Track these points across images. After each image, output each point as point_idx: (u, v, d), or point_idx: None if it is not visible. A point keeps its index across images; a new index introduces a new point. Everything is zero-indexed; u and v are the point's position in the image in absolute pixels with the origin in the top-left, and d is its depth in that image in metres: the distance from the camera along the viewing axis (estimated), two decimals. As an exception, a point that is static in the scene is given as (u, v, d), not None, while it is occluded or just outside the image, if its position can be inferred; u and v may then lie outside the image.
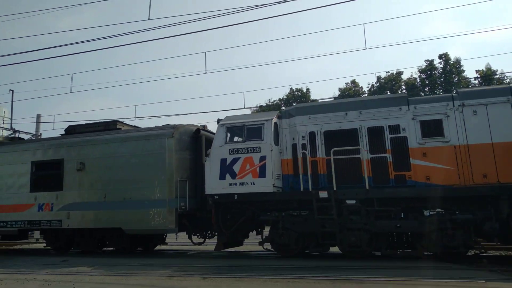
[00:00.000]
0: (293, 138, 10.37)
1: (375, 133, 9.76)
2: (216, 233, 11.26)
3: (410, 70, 38.97)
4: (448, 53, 32.66)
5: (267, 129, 10.18)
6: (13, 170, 12.98)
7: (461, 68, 32.30)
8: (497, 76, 30.66)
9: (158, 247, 14.01)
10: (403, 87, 33.60)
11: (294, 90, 37.07)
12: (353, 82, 35.74)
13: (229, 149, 10.31)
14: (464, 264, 8.40)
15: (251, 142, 10.18)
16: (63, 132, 14.01)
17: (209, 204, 10.40)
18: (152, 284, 7.11)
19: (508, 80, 30.67)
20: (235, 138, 10.72)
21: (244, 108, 37.23)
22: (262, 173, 9.92)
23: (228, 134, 10.60)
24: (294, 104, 35.79)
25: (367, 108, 9.99)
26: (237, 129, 10.60)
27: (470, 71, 43.24)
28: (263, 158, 9.97)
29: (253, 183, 9.96)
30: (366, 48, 22.91)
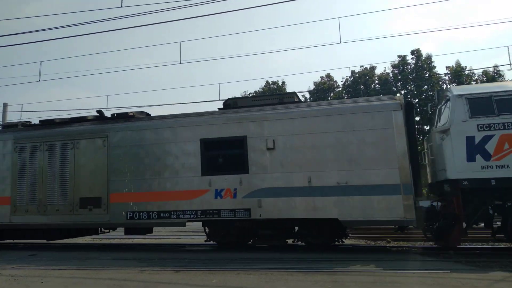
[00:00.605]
0: None
1: None
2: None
3: (383, 65, 39.86)
4: (420, 49, 33.46)
5: None
6: (175, 150, 10.95)
7: (432, 64, 33.14)
8: (466, 72, 31.64)
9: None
10: (376, 81, 34.18)
11: (270, 83, 37.10)
12: (328, 76, 36.08)
13: (477, 125, 8.99)
14: (431, 255, 8.70)
15: (508, 116, 8.86)
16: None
17: (449, 191, 9.15)
18: (124, 278, 7.00)
19: (476, 77, 31.76)
20: (479, 112, 9.22)
21: (220, 100, 37.04)
22: None
23: (470, 107, 9.21)
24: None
25: None
26: (481, 100, 9.20)
27: (440, 67, 44.43)
28: None
29: None
30: (340, 42, 23.15)
